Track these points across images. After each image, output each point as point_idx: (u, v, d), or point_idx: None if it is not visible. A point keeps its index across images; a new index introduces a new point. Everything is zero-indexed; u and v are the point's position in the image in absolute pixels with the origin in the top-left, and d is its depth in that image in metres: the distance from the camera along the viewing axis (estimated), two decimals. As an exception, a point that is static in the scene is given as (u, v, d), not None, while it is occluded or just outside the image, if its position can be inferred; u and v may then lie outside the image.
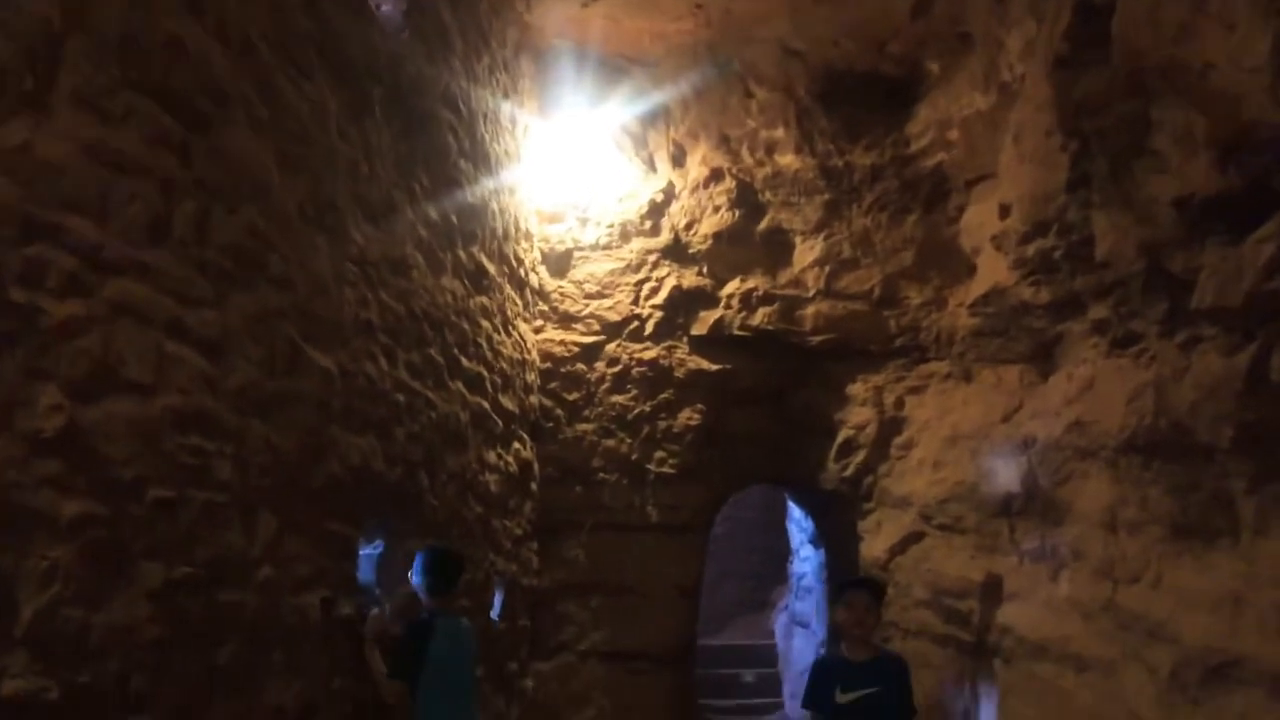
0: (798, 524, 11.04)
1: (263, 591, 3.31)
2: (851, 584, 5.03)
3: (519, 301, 6.97)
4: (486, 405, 6.05)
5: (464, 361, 5.62)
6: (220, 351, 3.10)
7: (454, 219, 5.51)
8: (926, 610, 6.61)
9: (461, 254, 5.64)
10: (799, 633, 11.19)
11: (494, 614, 6.36)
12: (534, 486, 7.18)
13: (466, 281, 5.72)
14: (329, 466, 3.85)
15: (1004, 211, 6.37)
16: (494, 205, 6.37)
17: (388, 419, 4.47)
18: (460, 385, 5.55)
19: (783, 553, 12.72)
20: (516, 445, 6.76)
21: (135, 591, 2.63)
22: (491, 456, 6.17)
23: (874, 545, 7.27)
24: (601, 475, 7.40)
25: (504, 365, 6.45)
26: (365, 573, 4.36)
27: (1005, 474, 6.18)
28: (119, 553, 2.57)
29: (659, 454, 7.48)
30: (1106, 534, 5.22)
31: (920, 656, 6.62)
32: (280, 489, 3.45)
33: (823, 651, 9.54)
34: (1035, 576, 5.85)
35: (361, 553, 4.32)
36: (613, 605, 7.26)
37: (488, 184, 6.18)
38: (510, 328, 6.71)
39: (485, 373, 6.03)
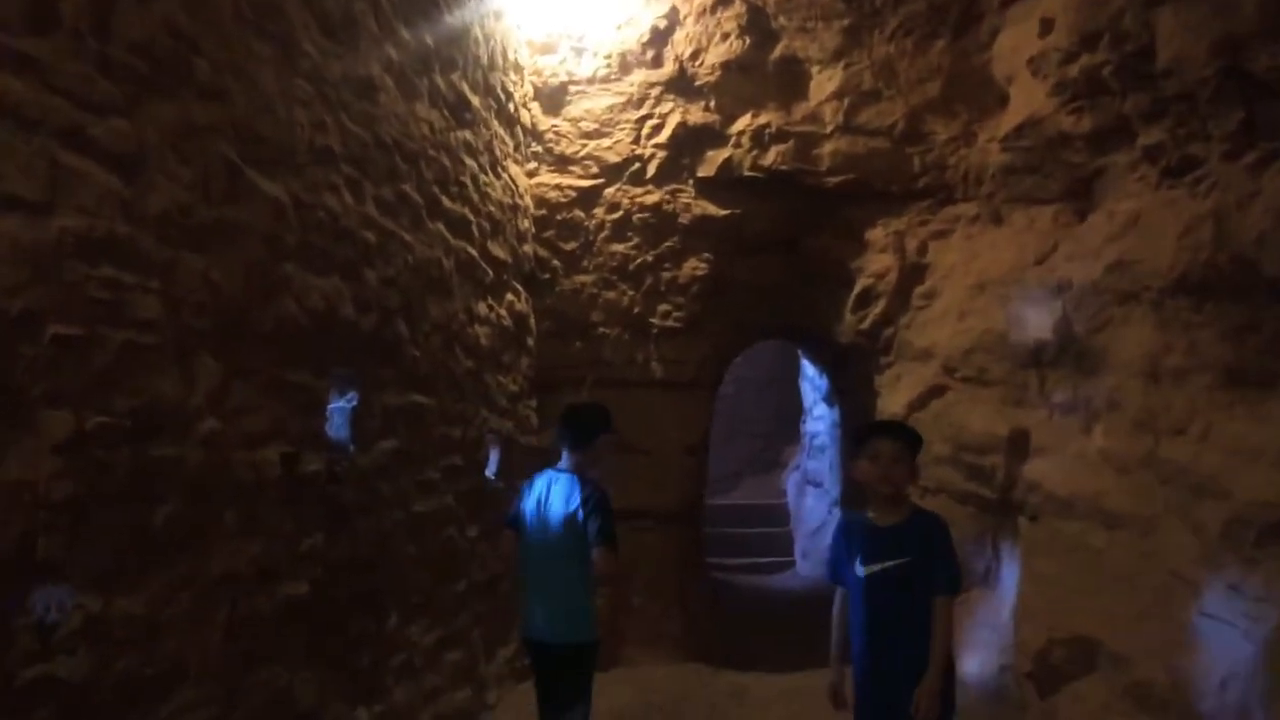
0: (811, 381, 10.74)
1: (208, 446, 2.97)
2: (876, 430, 4.03)
3: (509, 141, 6.45)
4: (473, 252, 5.62)
5: (445, 201, 5.17)
6: (136, 169, 2.66)
7: (429, 41, 4.96)
8: (947, 467, 6.31)
9: (440, 81, 5.11)
10: (811, 491, 11.04)
11: (489, 472, 6.09)
12: (530, 342, 6.82)
13: (446, 112, 5.21)
14: (283, 308, 3.46)
15: (1045, 27, 5.77)
16: (477, 30, 5.79)
17: (356, 260, 4.06)
18: (442, 227, 5.11)
19: (794, 412, 12.48)
20: (510, 297, 6.36)
21: (35, 444, 2.27)
22: (481, 308, 5.78)
23: (892, 400, 6.93)
24: (602, 329, 7.02)
25: (492, 209, 5.99)
26: (337, 427, 4.02)
27: (1036, 322, 5.77)
28: (10, 399, 2.20)
29: (663, 307, 7.08)
30: (1147, 383, 4.84)
31: (941, 514, 6.36)
32: (223, 332, 3.07)
33: (837, 511, 9.36)
34: (1066, 430, 5.51)
35: (331, 406, 3.98)
36: (616, 462, 6.98)
37: (469, 5, 5.59)
38: (500, 169, 6.21)
39: (471, 216, 5.58)
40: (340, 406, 4.10)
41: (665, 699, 6.19)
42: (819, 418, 10.51)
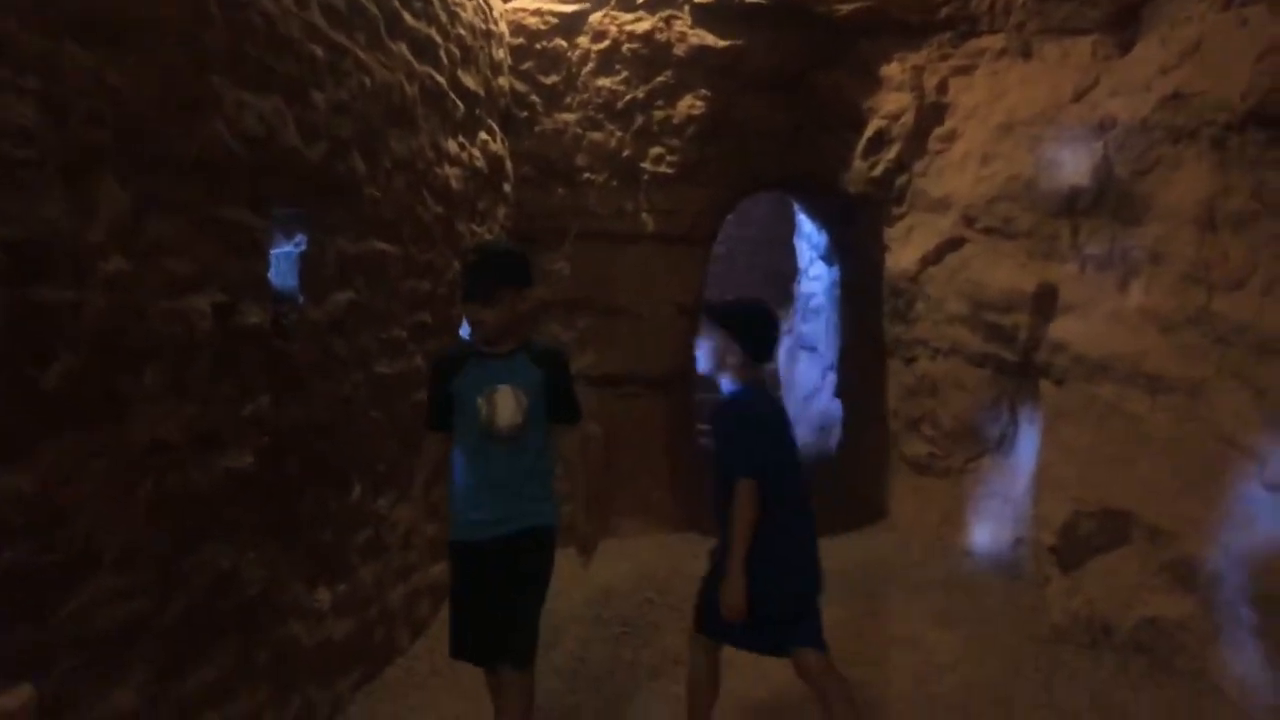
0: (808, 239, 10.24)
1: (115, 290, 2.47)
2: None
3: (480, -45, 5.74)
4: (442, 80, 5.00)
5: (408, 18, 4.53)
6: (-7, -70, 2.08)
7: None
8: (962, 327, 5.89)
9: None
10: (804, 356, 10.68)
11: (464, 332, 5.62)
12: (507, 188, 6.25)
13: (406, -89, 4.52)
14: (212, 130, 2.91)
15: None
16: None
17: (300, 78, 3.48)
18: (404, 48, 4.48)
19: (788, 274, 12.01)
20: (484, 136, 5.76)
21: None
22: (452, 146, 5.20)
23: (903, 255, 6.46)
24: (587, 175, 6.45)
25: (463, 32, 5.34)
26: (282, 275, 3.52)
27: (1071, 165, 5.26)
28: None
29: (655, 150, 6.50)
30: (1201, 232, 4.38)
31: (952, 378, 6.00)
32: (131, 153, 2.54)
33: (832, 376, 8.99)
34: (1100, 285, 5.07)
35: (275, 251, 3.47)
36: (602, 325, 6.54)
37: None
38: (470, -13, 5.53)
39: (438, 38, 4.94)
40: (286, 251, 3.59)
41: (656, 570, 5.91)
42: (815, 278, 10.05)
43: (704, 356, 3.41)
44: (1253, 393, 3.82)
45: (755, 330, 3.32)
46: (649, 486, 6.61)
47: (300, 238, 3.62)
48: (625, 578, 5.78)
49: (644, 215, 6.48)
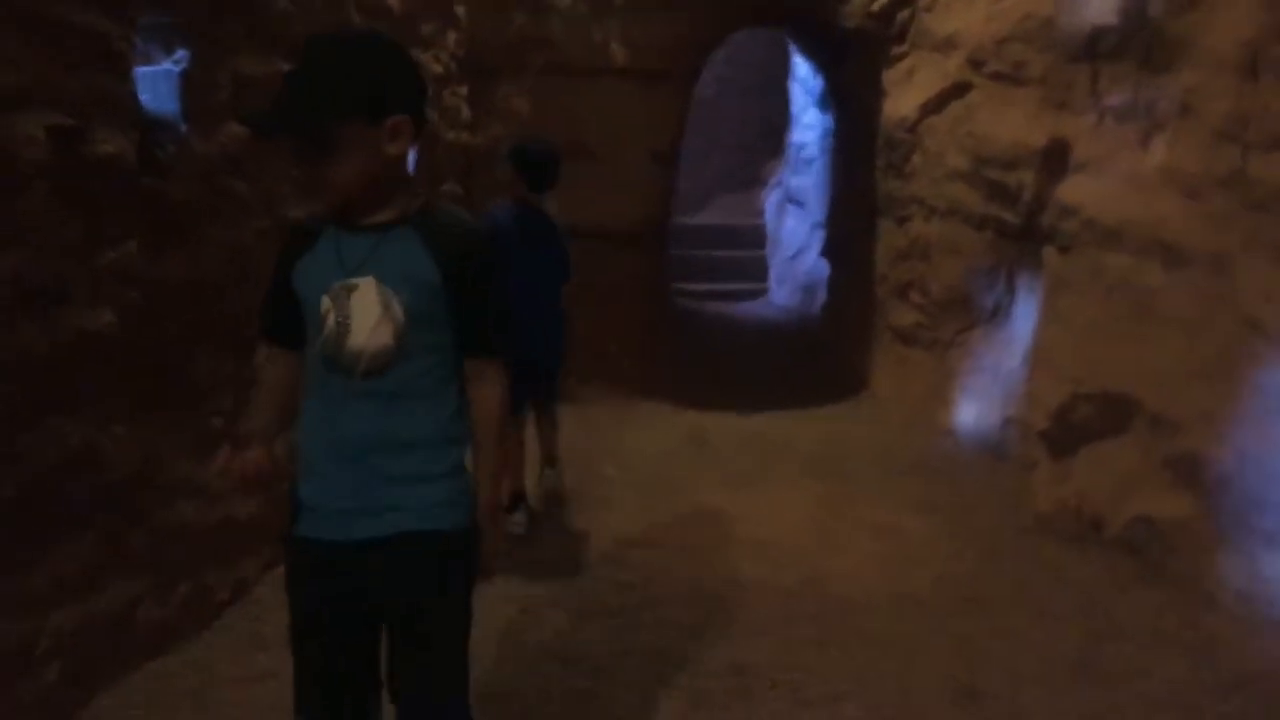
0: (802, 83, 9.57)
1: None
2: None
3: None
4: (374, -125, 4.34)
5: None
6: None
7: None
8: (962, 184, 5.39)
9: None
10: (792, 212, 10.15)
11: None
12: (459, 11, 5.61)
13: None
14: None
15: None
16: None
17: None
18: None
19: (781, 124, 11.33)
20: (430, -53, 5.11)
21: None
22: (389, -45, 4.57)
23: (902, 101, 5.90)
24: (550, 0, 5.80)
25: None
26: (158, 98, 3.00)
27: (1098, 2, 4.66)
28: None
29: (628, -28, 5.84)
30: (1240, 81, 3.85)
31: (948, 241, 5.54)
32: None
33: (820, 234, 8.51)
34: (1118, 141, 4.55)
35: (144, 69, 2.93)
36: (566, 170, 5.99)
37: None
38: None
39: None
40: (163, 70, 3.05)
41: (617, 443, 5.58)
42: (808, 126, 9.42)
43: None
44: (1288, 269, 3.38)
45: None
46: (616, 353, 6.21)
47: (181, 53, 3.08)
48: (578, 445, 5.44)
49: (615, 47, 5.86)
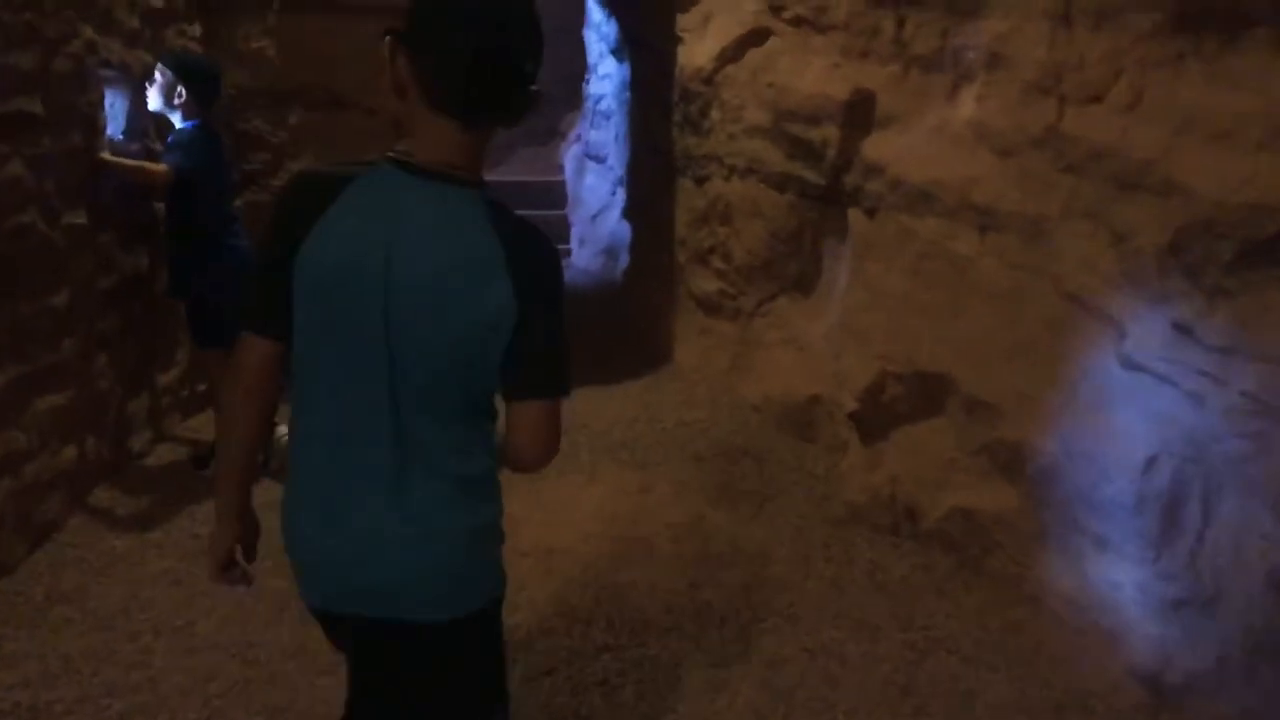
0: (597, 29, 8.95)
1: None
2: None
3: None
4: None
5: None
6: None
7: None
8: (762, 140, 4.95)
9: None
10: (593, 168, 9.58)
11: (115, 131, 4.25)
12: (181, -68, 4.72)
13: None
14: None
15: None
16: None
17: None
18: None
19: (578, 72, 10.70)
20: None
21: None
22: None
23: (698, 50, 5.39)
24: (295, -78, 4.98)
25: None
26: None
27: (902, -61, 4.27)
28: None
29: (387, -107, 5.06)
30: (1054, 27, 3.53)
31: (749, 202, 5.10)
32: None
33: (622, 193, 8.01)
34: (926, 94, 4.20)
35: None
36: (321, 123, 5.22)
37: None
38: None
39: None
40: None
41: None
42: (604, 76, 8.82)
43: (155, 95, 4.05)
44: (1109, 237, 3.06)
45: (199, 75, 4.05)
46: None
47: None
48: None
49: (373, -19, 5.09)
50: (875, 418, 4.00)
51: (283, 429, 4.39)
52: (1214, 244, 2.57)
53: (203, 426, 4.76)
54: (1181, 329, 2.60)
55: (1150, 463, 2.63)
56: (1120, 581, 2.79)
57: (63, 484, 3.68)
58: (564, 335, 1.55)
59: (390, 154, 1.53)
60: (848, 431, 4.22)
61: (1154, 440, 2.64)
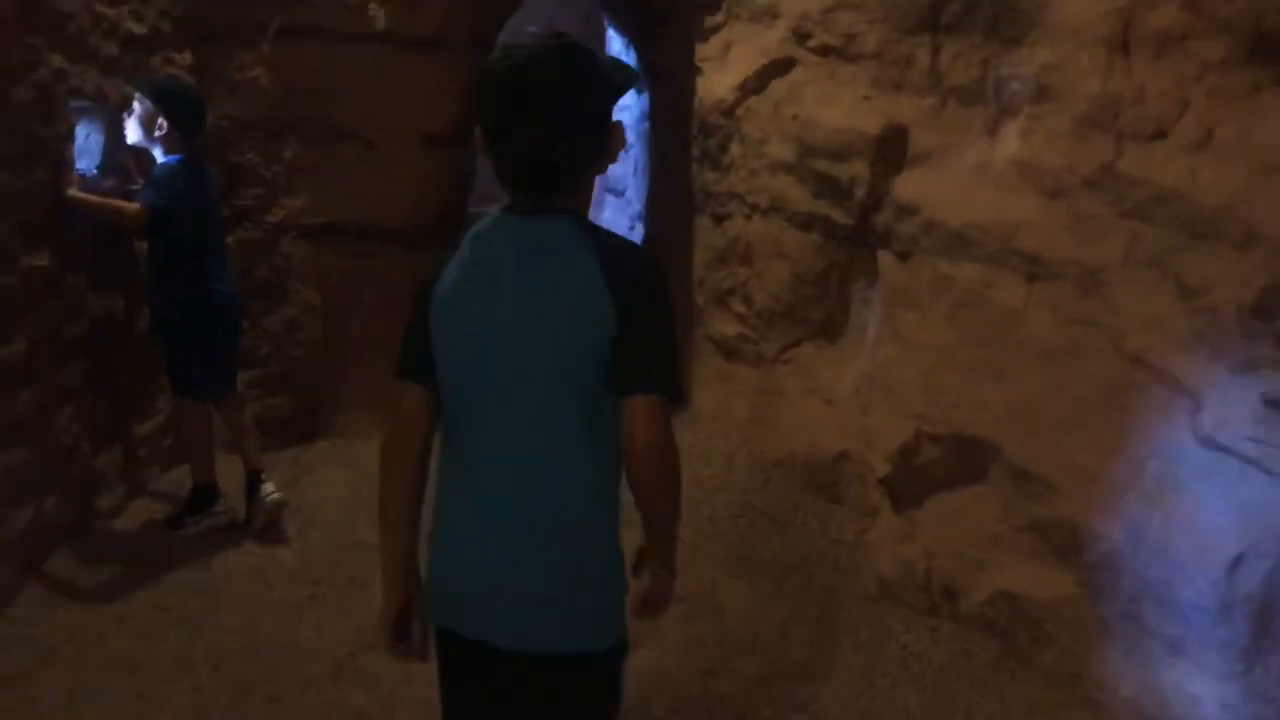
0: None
1: None
2: None
3: None
4: None
5: None
6: None
7: None
8: (786, 177, 4.62)
9: None
10: (611, 202, 9.29)
11: (90, 166, 3.98)
12: (171, -44, 4.48)
13: None
14: None
15: None
16: None
17: None
18: None
19: (599, 101, 10.45)
20: None
21: None
22: None
23: (719, 80, 5.08)
24: (291, -54, 4.72)
25: None
26: None
27: (939, -39, 3.95)
28: None
29: (390, -88, 4.81)
30: (1110, 56, 3.20)
31: (771, 243, 4.76)
32: None
33: (641, 227, 7.73)
34: (964, 128, 3.86)
35: None
36: (318, 156, 4.94)
37: None
38: None
39: None
40: None
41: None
42: (624, 107, 8.56)
43: (134, 127, 3.84)
44: (1177, 292, 2.70)
45: (181, 104, 3.82)
46: (385, 372, 5.17)
47: None
48: (342, 497, 4.45)
49: (373, 7, 4.83)
50: (909, 483, 3.64)
51: (269, 486, 4.10)
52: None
53: (183, 481, 4.45)
54: (1274, 405, 2.23)
55: (1237, 562, 2.25)
56: (1200, 695, 2.41)
57: (14, 551, 3.37)
58: (672, 340, 1.63)
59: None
60: (878, 496, 3.86)
61: (1242, 535, 2.27)
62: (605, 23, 8.57)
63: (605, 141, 1.63)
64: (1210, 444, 2.38)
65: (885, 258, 4.14)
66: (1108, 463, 2.74)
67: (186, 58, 4.66)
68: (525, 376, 1.57)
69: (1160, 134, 2.98)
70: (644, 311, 1.57)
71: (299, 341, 5.03)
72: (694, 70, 5.33)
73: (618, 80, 1.71)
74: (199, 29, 4.70)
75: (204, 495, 4.12)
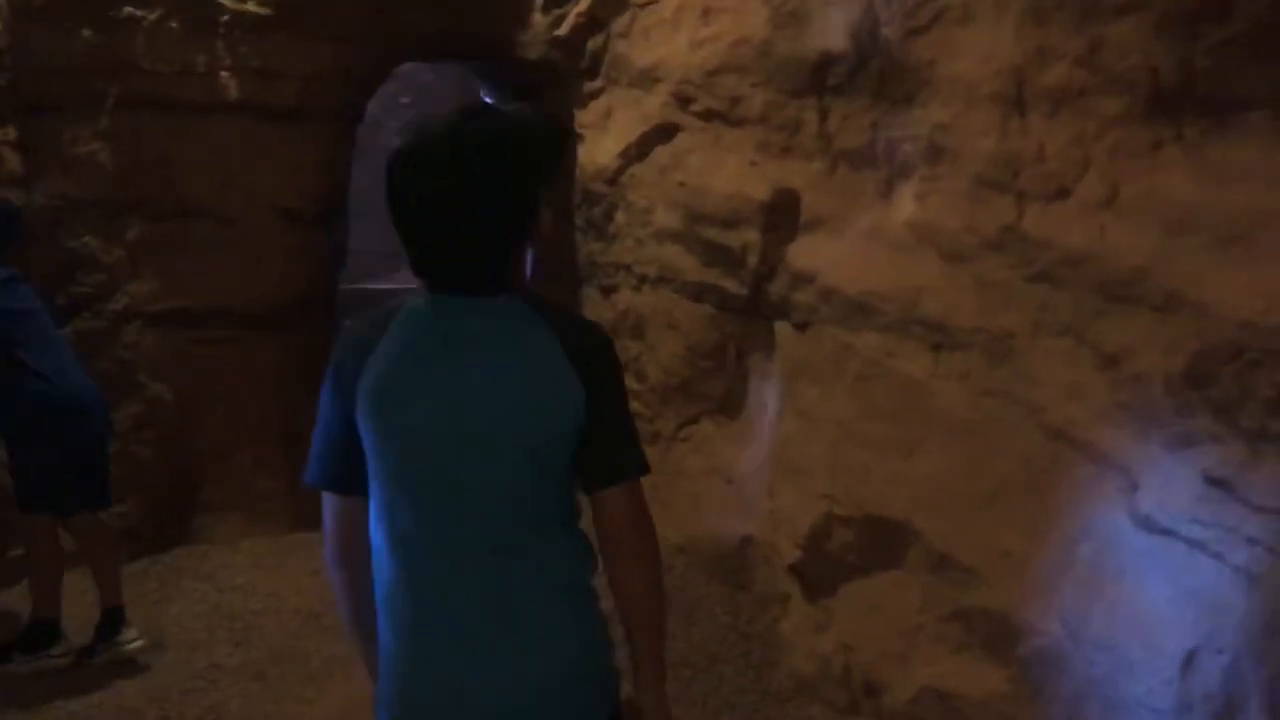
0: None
1: None
2: None
3: None
4: None
5: None
6: None
7: None
8: (675, 246, 4.42)
9: None
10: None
11: None
12: (-8, 23, 4.09)
13: None
14: None
15: None
16: None
17: None
18: None
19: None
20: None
21: None
22: None
23: (600, 148, 4.89)
24: (131, 10, 4.36)
25: None
26: None
27: (821, 21, 3.83)
28: None
29: (239, -21, 4.50)
30: (1005, 114, 3.07)
31: (663, 315, 4.54)
32: None
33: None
34: (858, 192, 3.72)
35: None
36: (166, 236, 4.55)
37: None
38: None
39: None
40: None
41: (247, 603, 4.14)
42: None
43: None
44: (1096, 360, 2.54)
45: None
46: (251, 470, 4.75)
47: None
48: (194, 614, 3.99)
49: (225, 75, 4.49)
50: (821, 569, 3.40)
51: (133, 633, 3.64)
52: (1249, 374, 2.05)
53: (15, 604, 3.94)
54: (1217, 483, 2.06)
55: (1191, 657, 2.05)
56: (1158, 804, 2.19)
57: None
58: (630, 413, 1.58)
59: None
60: (789, 582, 3.61)
61: (1194, 627, 2.07)
62: (480, 92, 8.35)
63: (533, 217, 1.49)
64: (1150, 526, 2.19)
65: (783, 329, 3.95)
66: (1035, 547, 2.53)
67: (11, 132, 4.24)
68: (486, 469, 1.45)
69: (1063, 193, 2.86)
70: (611, 392, 1.52)
71: (148, 440, 4.57)
72: (574, 137, 5.12)
73: (539, 149, 1.51)
74: (30, 103, 4.29)
75: (42, 632, 3.61)
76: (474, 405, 1.43)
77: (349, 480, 1.50)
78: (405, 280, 9.14)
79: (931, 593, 2.94)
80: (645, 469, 1.55)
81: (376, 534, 1.50)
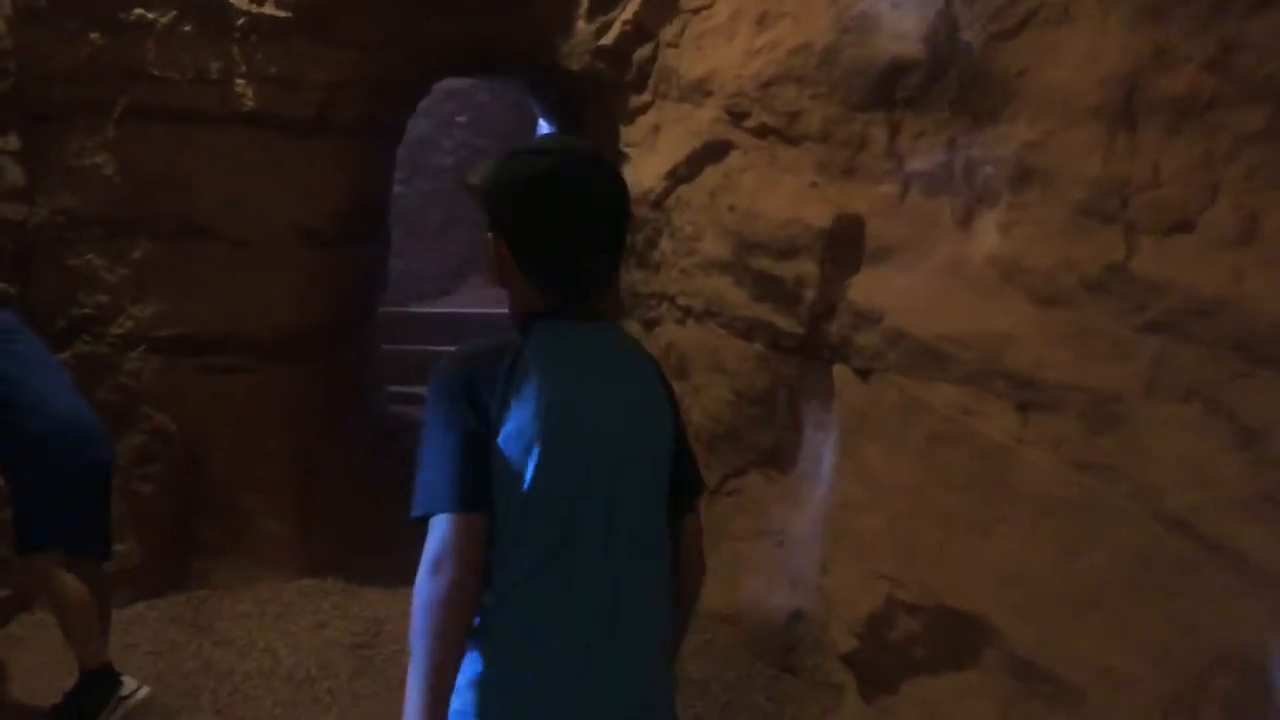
0: (547, 148, 8.12)
1: None
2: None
3: None
4: None
5: None
6: None
7: None
8: (724, 277, 3.98)
9: None
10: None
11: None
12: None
13: None
14: None
15: None
16: None
17: None
18: None
19: (534, 194, 9.91)
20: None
21: None
22: None
23: (644, 168, 4.48)
24: (141, 11, 4.06)
25: None
26: None
27: (893, 26, 3.38)
28: None
29: (260, -20, 4.19)
30: (1111, 129, 2.61)
31: (708, 353, 4.10)
32: None
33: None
34: (931, 221, 3.23)
35: None
36: (173, 257, 4.23)
37: None
38: None
39: None
40: None
41: (241, 662, 3.76)
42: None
43: None
44: (1232, 433, 2.03)
45: None
46: (260, 511, 4.40)
47: None
48: (182, 673, 3.62)
49: (241, 83, 4.17)
50: (880, 662, 2.91)
51: (132, 682, 3.26)
52: None
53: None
54: None
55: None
56: None
57: None
58: None
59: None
60: (843, 671, 3.12)
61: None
62: (534, 109, 8.03)
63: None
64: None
65: (842, 374, 3.47)
66: (1149, 670, 2.03)
67: (13, 142, 3.96)
68: (628, 493, 1.52)
69: (1184, 226, 2.37)
70: (680, 415, 1.67)
71: (149, 475, 4.23)
72: (618, 156, 4.71)
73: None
74: (32, 112, 4.01)
75: (96, 683, 3.18)
76: (620, 431, 1.51)
77: (489, 501, 1.48)
78: (457, 304, 8.80)
79: (1012, 706, 2.44)
80: (704, 488, 1.75)
81: (513, 554, 1.48)
